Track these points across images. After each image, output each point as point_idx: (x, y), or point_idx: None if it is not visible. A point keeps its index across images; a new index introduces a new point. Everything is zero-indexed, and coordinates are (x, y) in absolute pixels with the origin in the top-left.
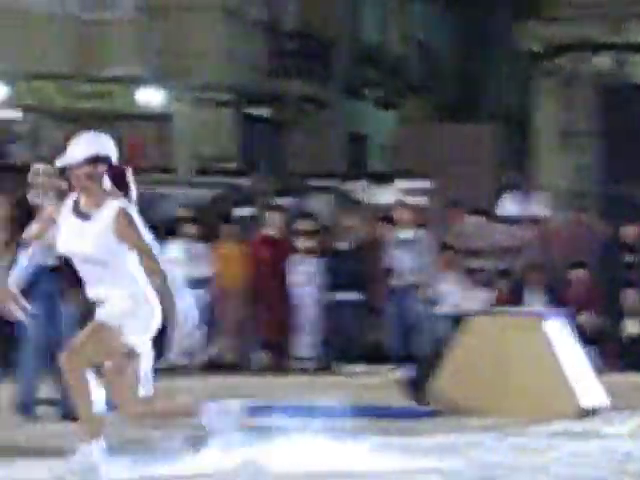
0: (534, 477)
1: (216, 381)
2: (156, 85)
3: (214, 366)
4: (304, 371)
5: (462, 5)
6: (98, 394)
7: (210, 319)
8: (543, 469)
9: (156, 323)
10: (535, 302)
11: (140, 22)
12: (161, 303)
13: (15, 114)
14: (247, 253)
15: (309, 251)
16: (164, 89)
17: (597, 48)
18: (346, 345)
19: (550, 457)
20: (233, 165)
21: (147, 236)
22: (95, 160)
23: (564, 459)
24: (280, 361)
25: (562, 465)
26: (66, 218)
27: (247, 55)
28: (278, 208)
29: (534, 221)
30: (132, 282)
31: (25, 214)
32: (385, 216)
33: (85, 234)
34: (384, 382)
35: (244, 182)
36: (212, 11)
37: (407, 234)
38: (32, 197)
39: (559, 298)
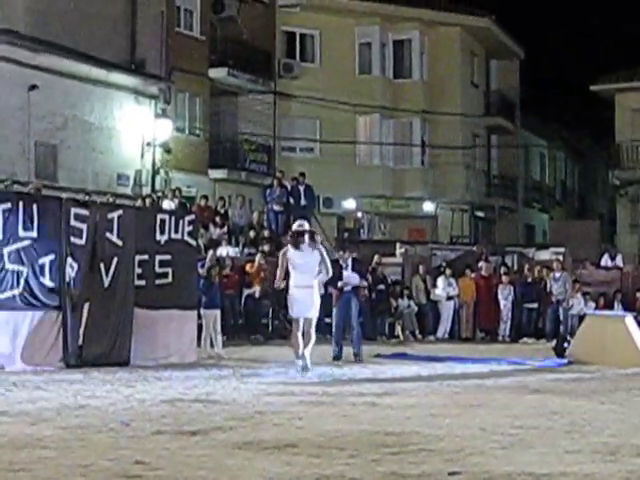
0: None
1: None
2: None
3: None
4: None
5: (584, 161)
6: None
7: None
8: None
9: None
10: (618, 309)
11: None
12: None
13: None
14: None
15: (508, 281)
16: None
17: None
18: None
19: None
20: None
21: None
22: None
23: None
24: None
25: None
26: None
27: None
28: (488, 261)
29: (618, 268)
30: None
31: None
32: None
33: None
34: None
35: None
36: None
37: (558, 274)
38: None
39: (629, 307)
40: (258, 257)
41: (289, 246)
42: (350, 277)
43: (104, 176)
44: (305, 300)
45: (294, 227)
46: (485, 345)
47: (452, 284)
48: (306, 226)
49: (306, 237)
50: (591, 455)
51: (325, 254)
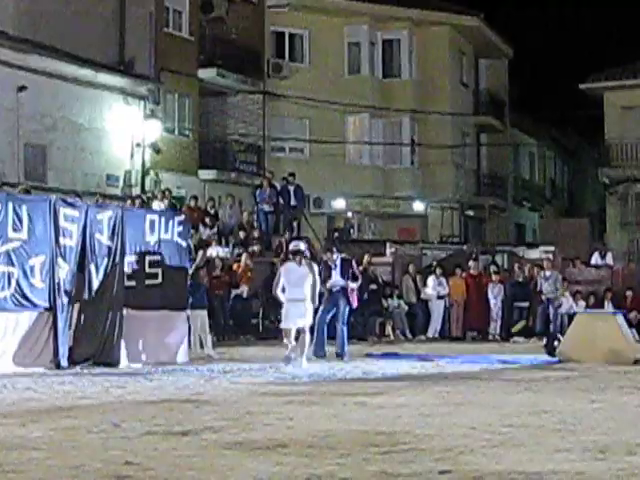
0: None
1: None
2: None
3: None
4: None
5: (573, 159)
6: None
7: None
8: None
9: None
10: (608, 307)
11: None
12: None
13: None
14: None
15: (498, 280)
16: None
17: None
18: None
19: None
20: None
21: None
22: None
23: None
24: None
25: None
26: None
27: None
28: (477, 260)
29: (608, 267)
30: None
31: None
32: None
33: None
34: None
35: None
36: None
37: (548, 273)
38: None
39: (620, 305)
40: (244, 257)
41: (287, 262)
42: (337, 279)
43: (93, 177)
44: (296, 312)
45: (290, 247)
46: (475, 344)
47: (442, 283)
48: (301, 246)
49: (299, 256)
50: (581, 453)
51: (317, 277)
